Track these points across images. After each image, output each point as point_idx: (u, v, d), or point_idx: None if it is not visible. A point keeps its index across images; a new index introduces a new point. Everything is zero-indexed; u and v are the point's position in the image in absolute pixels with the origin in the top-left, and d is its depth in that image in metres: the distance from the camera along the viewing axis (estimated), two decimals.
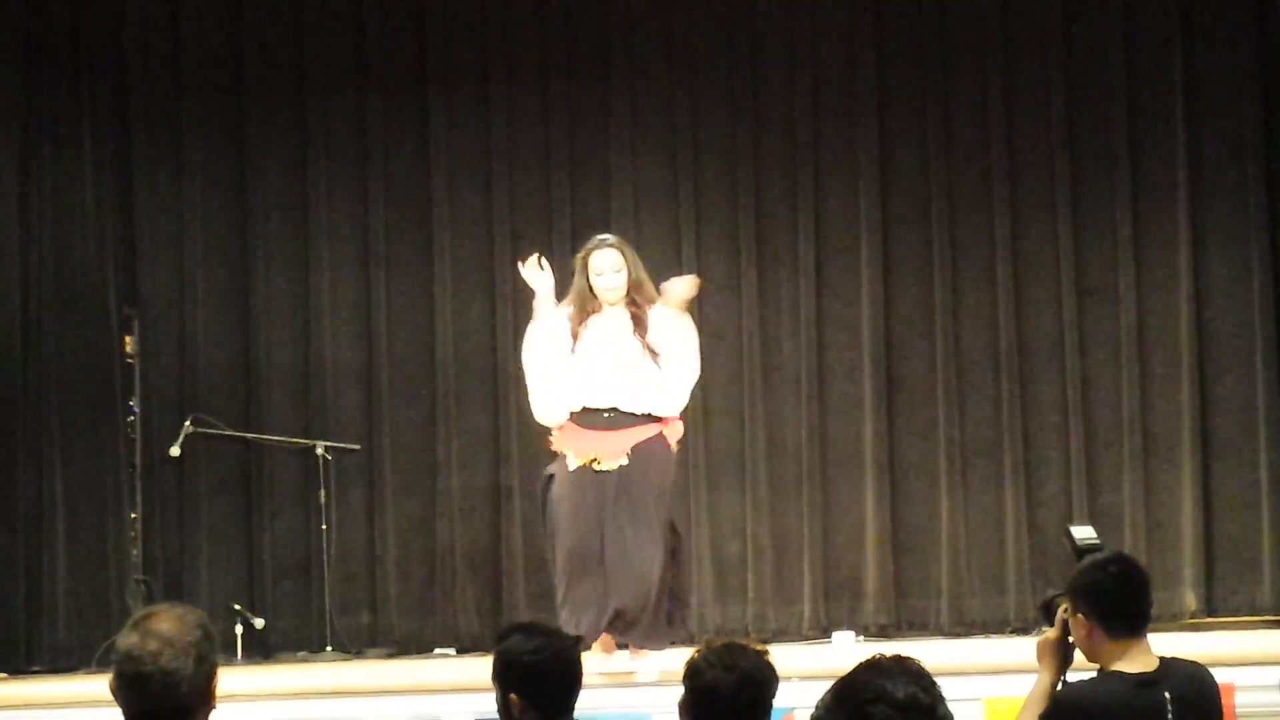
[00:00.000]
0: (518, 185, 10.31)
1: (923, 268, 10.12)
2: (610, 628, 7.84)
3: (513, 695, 4.40)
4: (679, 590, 8.12)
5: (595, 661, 7.77)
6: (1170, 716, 4.42)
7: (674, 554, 8.07)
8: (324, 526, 10.00)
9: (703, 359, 9.91)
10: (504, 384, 10.09)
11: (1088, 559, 4.67)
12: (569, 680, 4.45)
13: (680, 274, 9.83)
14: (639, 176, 10.27)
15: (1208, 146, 10.01)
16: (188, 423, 10.05)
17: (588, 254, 8.07)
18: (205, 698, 3.52)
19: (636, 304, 8.04)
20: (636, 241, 9.53)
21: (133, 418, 10.20)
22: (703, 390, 10.01)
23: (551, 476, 8.03)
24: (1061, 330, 10.01)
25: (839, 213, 10.18)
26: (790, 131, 10.22)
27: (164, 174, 10.39)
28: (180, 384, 10.30)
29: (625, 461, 7.89)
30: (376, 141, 10.37)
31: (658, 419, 8.01)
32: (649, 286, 8.10)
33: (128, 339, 10.22)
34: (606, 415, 7.97)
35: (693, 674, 4.27)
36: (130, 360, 10.23)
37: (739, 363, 10.15)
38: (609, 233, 8.54)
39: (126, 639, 3.48)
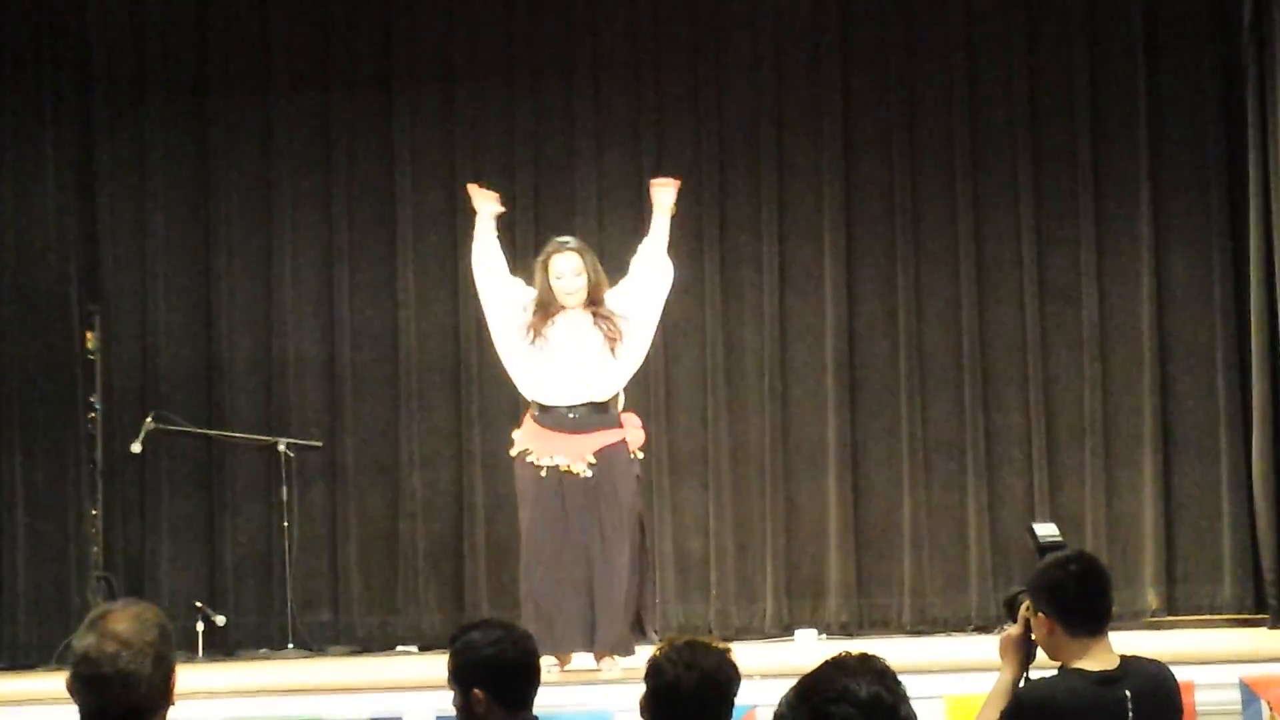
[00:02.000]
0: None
1: (886, 267, 10.14)
2: (574, 640, 7.89)
3: (477, 691, 4.39)
4: (645, 596, 8.14)
5: (549, 663, 7.79)
6: (1131, 714, 4.43)
7: (642, 559, 8.11)
8: (286, 524, 9.98)
9: (667, 357, 9.98)
10: (467, 381, 10.08)
11: (1049, 557, 4.67)
12: (529, 672, 4.45)
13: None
14: (603, 175, 10.26)
15: (1169, 149, 10.03)
16: (149, 419, 10.00)
17: (548, 257, 8.12)
18: (164, 696, 3.49)
19: (597, 304, 8.06)
20: (600, 240, 9.55)
21: (94, 414, 10.15)
22: (666, 388, 10.04)
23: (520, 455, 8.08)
24: (1024, 330, 10.04)
25: (802, 212, 10.19)
26: (754, 131, 10.22)
27: (126, 170, 10.34)
28: (142, 380, 10.26)
29: (589, 465, 7.91)
30: (340, 139, 10.34)
31: (619, 424, 8.04)
32: (605, 288, 8.14)
33: (89, 335, 10.17)
34: (570, 416, 7.98)
35: (654, 672, 4.27)
36: (92, 357, 10.18)
37: (702, 361, 10.15)
38: (572, 233, 8.57)
39: (83, 639, 3.44)
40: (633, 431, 8.09)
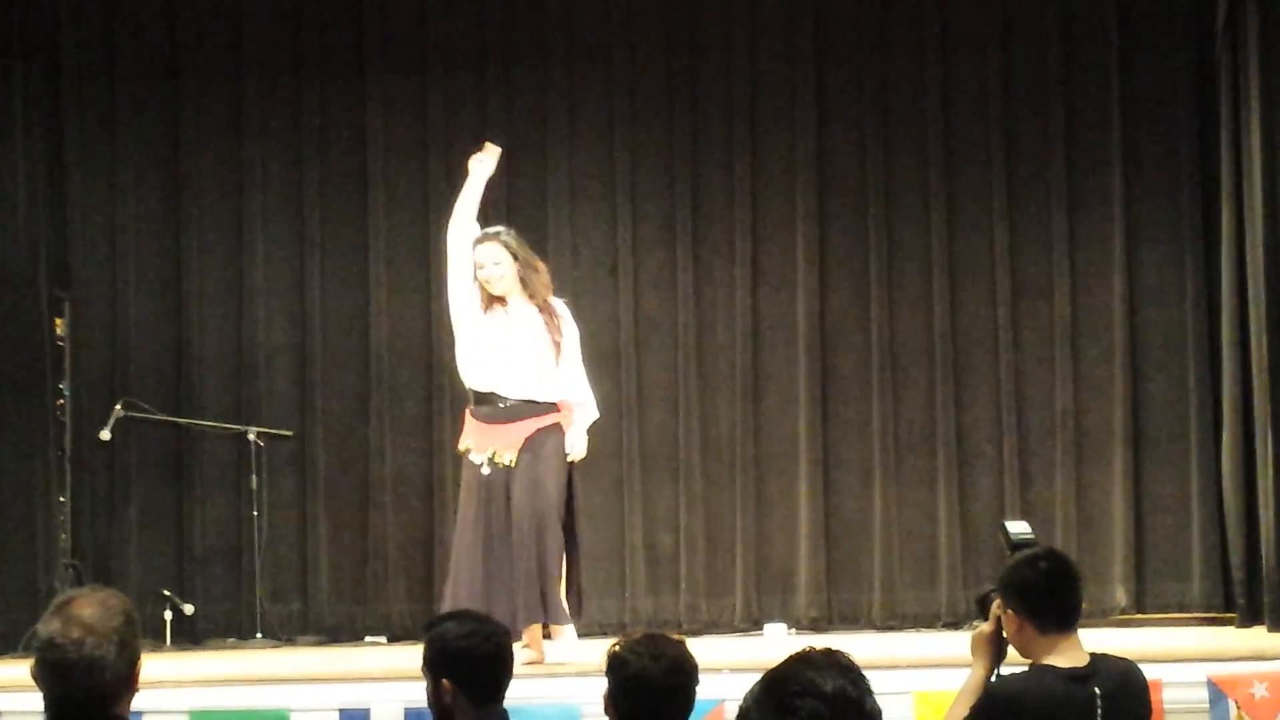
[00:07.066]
0: (454, 173, 10.24)
1: (858, 262, 10.14)
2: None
3: (445, 681, 4.41)
4: (574, 573, 8.13)
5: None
6: (1100, 712, 4.44)
7: (570, 534, 8.08)
8: (255, 513, 9.95)
9: (638, 350, 9.98)
10: (438, 371, 10.05)
11: (1019, 554, 4.67)
12: (499, 666, 4.46)
13: (617, 266, 9.85)
14: (575, 167, 10.25)
15: (1142, 147, 10.05)
16: (118, 407, 9.97)
17: (473, 246, 8.11)
18: (128, 683, 3.49)
19: (535, 295, 8.07)
20: (572, 232, 9.55)
21: (63, 401, 10.11)
22: (638, 382, 10.03)
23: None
24: (996, 327, 10.04)
25: (775, 206, 10.19)
26: (728, 124, 10.21)
27: (97, 157, 10.30)
28: (111, 367, 10.23)
29: (519, 453, 7.91)
30: (312, 127, 10.31)
31: (555, 408, 8.04)
32: (539, 280, 8.11)
33: (58, 322, 10.13)
34: (504, 406, 8.00)
35: (618, 665, 4.26)
36: (61, 343, 10.14)
37: (674, 355, 10.14)
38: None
39: (48, 625, 3.45)
40: (580, 410, 8.10)
